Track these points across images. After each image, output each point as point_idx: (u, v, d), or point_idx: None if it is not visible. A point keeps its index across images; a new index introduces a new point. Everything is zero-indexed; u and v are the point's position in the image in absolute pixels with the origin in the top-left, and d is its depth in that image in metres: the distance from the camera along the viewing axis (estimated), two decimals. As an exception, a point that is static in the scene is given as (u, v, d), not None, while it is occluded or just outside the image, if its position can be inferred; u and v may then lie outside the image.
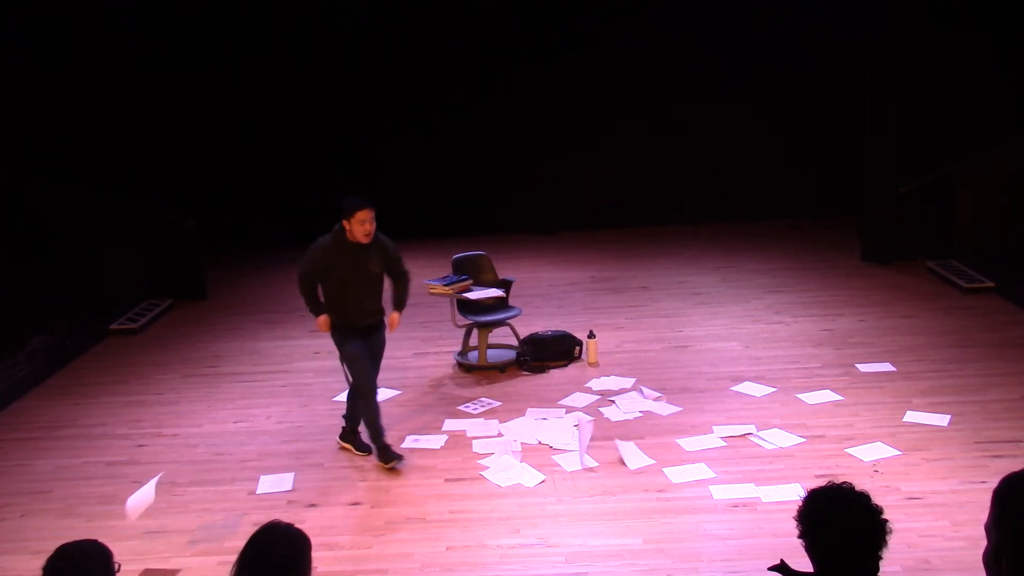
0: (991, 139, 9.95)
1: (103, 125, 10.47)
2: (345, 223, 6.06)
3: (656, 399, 7.23)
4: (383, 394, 7.01)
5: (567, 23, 11.82)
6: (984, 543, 2.46)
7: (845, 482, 2.69)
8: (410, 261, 6.78)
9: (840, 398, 7.06)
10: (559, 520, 5.58)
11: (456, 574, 5.12)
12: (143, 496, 5.48)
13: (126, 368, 8.47)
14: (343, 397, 6.83)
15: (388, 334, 6.50)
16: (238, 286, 10.91)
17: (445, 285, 7.90)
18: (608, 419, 6.90)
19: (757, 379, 7.47)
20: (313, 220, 8.18)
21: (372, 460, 6.43)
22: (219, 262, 11.34)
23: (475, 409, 7.22)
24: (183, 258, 10.38)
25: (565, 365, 7.99)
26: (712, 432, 6.60)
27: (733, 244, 11.58)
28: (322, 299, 6.30)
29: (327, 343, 6.76)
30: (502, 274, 8.55)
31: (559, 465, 6.23)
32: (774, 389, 7.28)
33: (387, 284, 6.45)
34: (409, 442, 6.68)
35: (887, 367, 7.60)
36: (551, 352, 8.06)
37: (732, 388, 7.36)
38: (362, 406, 6.35)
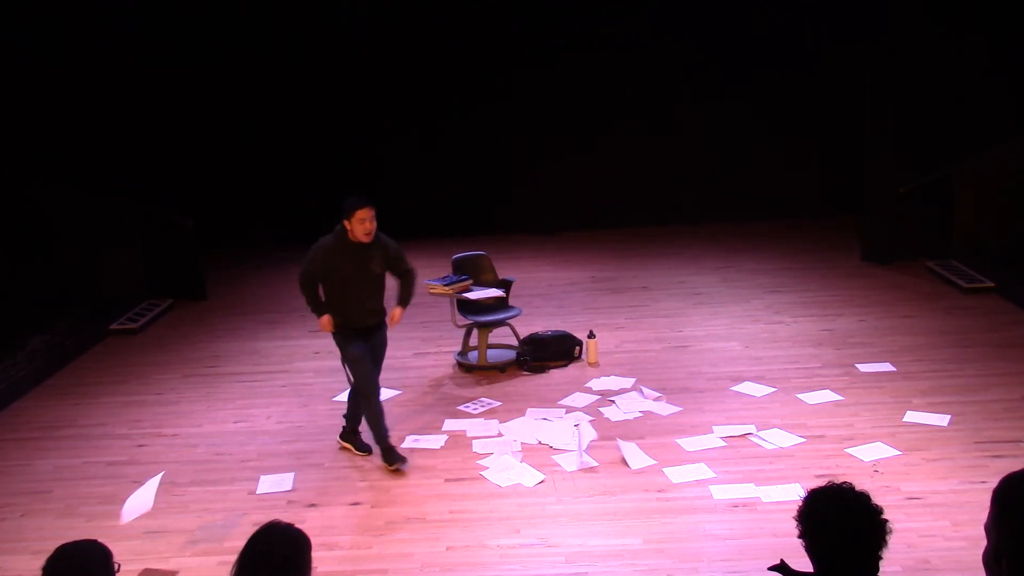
0: (991, 139, 9.95)
1: (103, 125, 10.47)
2: (346, 223, 6.06)
3: (656, 399, 7.23)
4: (383, 394, 7.00)
5: (567, 23, 11.82)
6: (984, 543, 2.45)
7: (845, 482, 2.69)
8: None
9: (840, 398, 7.06)
10: (559, 520, 5.58)
11: (456, 574, 5.12)
12: (141, 500, 5.47)
13: (126, 368, 8.47)
14: (343, 397, 6.83)
15: (388, 332, 6.50)
16: (238, 286, 10.91)
17: (445, 285, 7.90)
18: (608, 419, 6.90)
19: (757, 379, 7.47)
20: (313, 220, 8.20)
21: (372, 460, 6.43)
22: (219, 262, 11.34)
23: (475, 409, 7.22)
24: (183, 258, 10.38)
25: (565, 365, 7.99)
26: (712, 432, 6.60)
27: (733, 244, 11.58)
28: (323, 299, 6.30)
29: (327, 343, 6.76)
30: (502, 274, 8.55)
31: (559, 465, 6.23)
32: (774, 389, 7.28)
33: (390, 284, 6.44)
34: (409, 442, 6.68)
35: (887, 367, 7.60)
36: (551, 352, 8.06)
37: (732, 388, 7.36)
38: (365, 407, 6.36)
